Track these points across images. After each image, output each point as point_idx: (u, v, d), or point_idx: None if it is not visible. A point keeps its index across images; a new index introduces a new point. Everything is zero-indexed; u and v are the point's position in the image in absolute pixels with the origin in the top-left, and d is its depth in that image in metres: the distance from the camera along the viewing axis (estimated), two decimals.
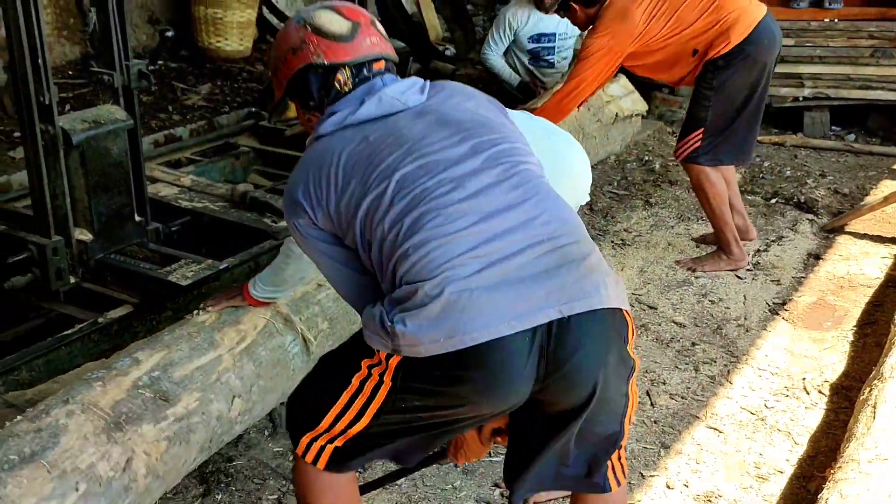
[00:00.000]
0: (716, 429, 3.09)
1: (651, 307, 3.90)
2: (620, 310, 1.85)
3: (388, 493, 2.71)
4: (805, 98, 6.32)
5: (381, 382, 1.87)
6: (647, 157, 5.74)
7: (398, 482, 2.69)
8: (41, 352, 3.53)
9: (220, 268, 3.93)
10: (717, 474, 2.86)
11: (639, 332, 3.68)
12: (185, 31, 7.22)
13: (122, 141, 3.90)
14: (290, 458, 2.82)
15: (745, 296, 4.01)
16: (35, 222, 3.81)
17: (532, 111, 3.99)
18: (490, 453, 2.74)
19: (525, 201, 1.86)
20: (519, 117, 2.63)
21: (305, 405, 2.05)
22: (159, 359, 2.53)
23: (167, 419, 2.37)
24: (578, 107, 4.49)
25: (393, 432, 1.94)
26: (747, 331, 3.73)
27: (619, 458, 2.05)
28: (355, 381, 1.91)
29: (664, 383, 3.34)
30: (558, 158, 2.73)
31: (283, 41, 2.12)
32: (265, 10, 7.61)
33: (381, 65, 2.09)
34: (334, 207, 1.93)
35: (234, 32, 7.24)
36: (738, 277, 4.18)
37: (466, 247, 1.77)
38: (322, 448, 1.99)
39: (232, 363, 2.61)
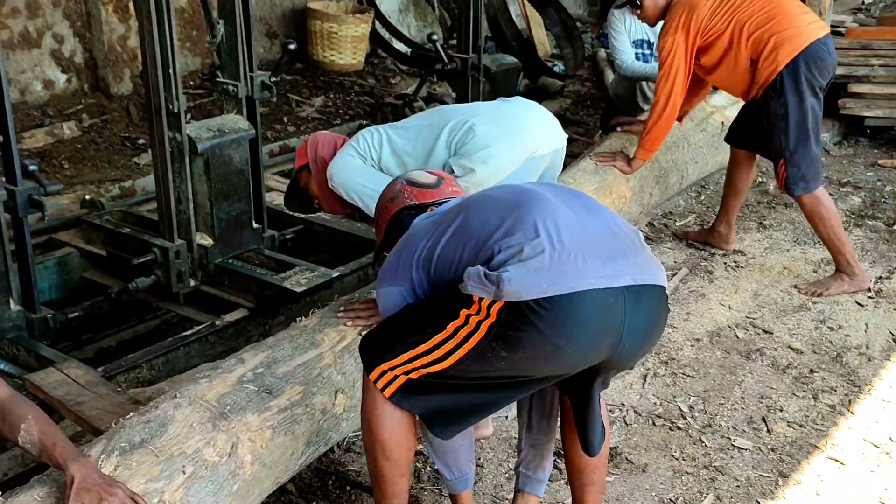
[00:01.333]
0: (837, 460, 2.99)
1: (766, 331, 3.80)
2: (665, 289, 2.17)
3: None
4: None
5: (475, 330, 2.05)
6: (760, 179, 5.60)
7: None
8: (161, 351, 3.65)
9: (332, 276, 4.01)
10: None
11: (753, 357, 3.60)
12: (301, 44, 7.39)
13: (243, 149, 4.01)
14: None
15: (866, 324, 3.87)
16: (159, 226, 3.96)
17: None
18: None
19: (596, 207, 2.23)
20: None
21: (388, 338, 2.23)
22: (263, 357, 2.61)
23: (271, 410, 2.45)
24: (681, 120, 4.54)
25: (466, 381, 2.15)
26: (869, 360, 3.59)
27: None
28: (450, 328, 2.09)
29: (781, 410, 3.25)
30: (514, 115, 3.34)
31: (384, 195, 2.60)
32: (378, 25, 7.74)
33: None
34: (426, 248, 2.21)
35: (347, 46, 7.38)
36: (859, 304, 4.03)
37: (562, 222, 2.07)
38: (394, 378, 2.19)
39: (333, 360, 2.68)
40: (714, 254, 4.52)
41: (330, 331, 2.76)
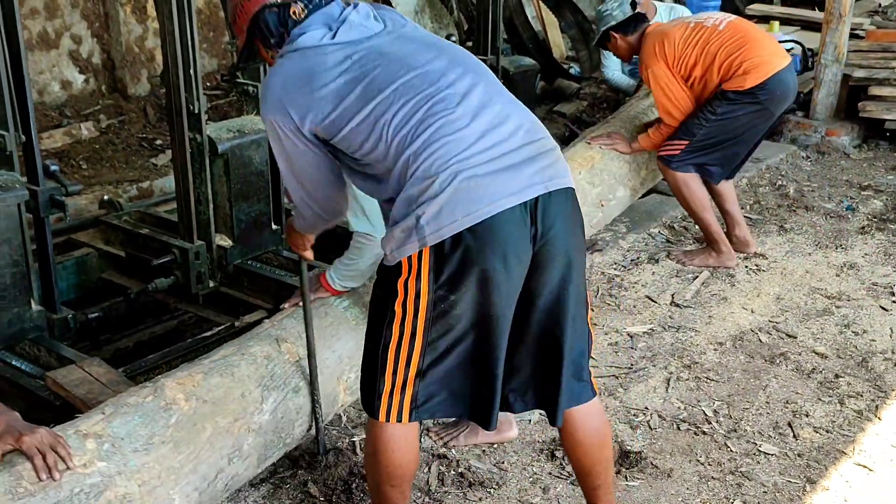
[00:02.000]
0: (865, 466, 2.95)
1: (790, 336, 3.76)
2: (574, 189, 2.21)
3: None
4: None
5: (418, 292, 2.08)
6: (780, 182, 5.56)
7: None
8: (181, 352, 3.65)
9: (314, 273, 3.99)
10: None
11: (777, 361, 3.56)
12: None
13: (263, 151, 4.00)
14: (425, 469, 2.83)
15: (891, 328, 3.82)
16: (179, 227, 3.95)
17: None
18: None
19: (501, 105, 2.14)
20: None
21: (370, 367, 2.22)
22: None
23: (201, 365, 2.60)
24: None
25: (447, 350, 2.13)
26: (895, 365, 3.56)
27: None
28: (398, 308, 2.10)
29: (807, 415, 3.21)
30: None
31: None
32: None
33: None
34: (327, 117, 2.13)
35: None
36: (883, 309, 3.99)
37: (467, 144, 2.05)
38: (401, 400, 2.16)
39: (271, 325, 2.88)
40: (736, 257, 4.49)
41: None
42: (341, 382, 2.86)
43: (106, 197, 4.77)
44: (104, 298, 4.14)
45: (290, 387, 2.66)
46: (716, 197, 4.48)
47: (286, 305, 3.01)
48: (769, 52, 4.15)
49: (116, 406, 2.34)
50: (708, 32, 4.15)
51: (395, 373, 2.15)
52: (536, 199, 2.06)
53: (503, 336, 2.16)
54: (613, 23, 4.40)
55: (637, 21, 4.40)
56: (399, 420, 2.18)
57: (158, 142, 5.81)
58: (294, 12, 2.25)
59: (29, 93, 3.26)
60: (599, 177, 4.36)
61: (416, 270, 2.06)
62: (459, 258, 2.03)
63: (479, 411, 2.23)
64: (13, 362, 3.28)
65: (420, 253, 2.05)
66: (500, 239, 2.03)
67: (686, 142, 4.21)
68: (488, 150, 2.06)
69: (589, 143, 4.49)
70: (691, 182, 4.26)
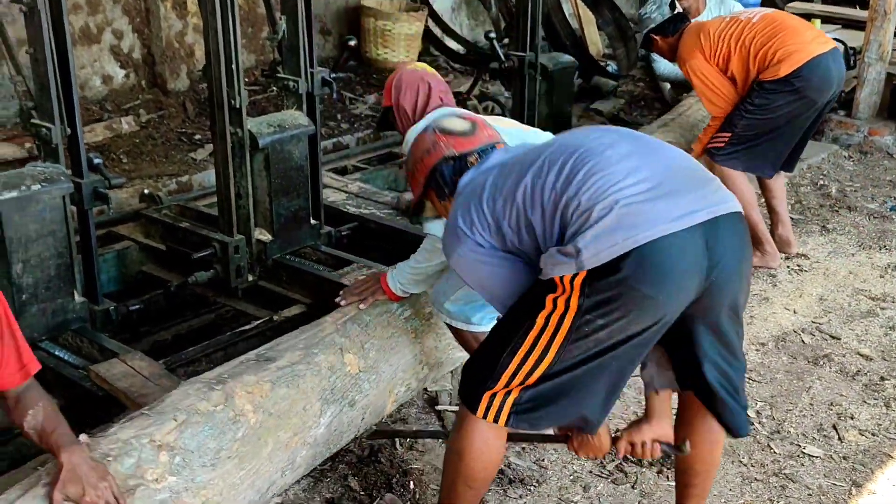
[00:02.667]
0: None
1: (833, 337, 3.71)
2: (742, 213, 2.16)
3: None
4: None
5: (566, 310, 2.04)
6: (821, 182, 5.50)
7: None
8: (221, 346, 3.66)
9: (372, 272, 3.98)
10: None
11: (821, 363, 3.51)
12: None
13: (303, 145, 4.01)
14: None
15: None
16: (219, 221, 3.97)
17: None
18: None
19: (651, 145, 2.21)
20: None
21: (485, 364, 2.17)
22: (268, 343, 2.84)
23: (269, 370, 2.58)
24: None
25: (577, 370, 2.08)
26: None
27: None
28: (540, 319, 2.07)
29: (852, 418, 3.16)
30: None
31: (417, 148, 2.49)
32: (431, 24, 7.72)
33: (501, 146, 2.43)
34: (493, 220, 2.18)
35: (401, 44, 7.37)
36: None
37: (623, 174, 2.06)
38: (503, 402, 2.13)
39: (335, 329, 2.86)
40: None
41: (333, 313, 2.98)
42: (392, 395, 2.87)
43: (146, 191, 4.79)
44: (144, 291, 4.16)
45: (346, 400, 2.68)
46: (765, 192, 4.45)
47: (342, 303, 3.00)
48: (804, 39, 4.11)
49: (189, 413, 2.33)
50: (742, 25, 4.16)
51: (511, 377, 2.13)
52: (704, 224, 2.03)
53: (637, 362, 2.17)
54: (653, 25, 4.43)
55: (676, 21, 4.42)
56: (495, 421, 2.16)
57: (197, 136, 5.84)
58: (471, 162, 2.37)
59: (74, 87, 3.28)
60: None
61: (568, 291, 2.04)
62: (616, 283, 2.00)
63: (587, 423, 2.21)
64: (56, 353, 3.31)
65: (575, 275, 2.02)
66: (660, 265, 1.99)
67: (728, 134, 4.19)
68: (644, 180, 2.06)
69: None
70: (738, 178, 4.22)
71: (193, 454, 2.24)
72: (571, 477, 2.82)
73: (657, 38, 4.47)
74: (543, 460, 2.88)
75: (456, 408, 3.12)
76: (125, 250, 4.40)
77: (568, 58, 5.77)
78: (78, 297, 3.40)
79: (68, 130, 3.27)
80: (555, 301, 2.05)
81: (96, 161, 3.41)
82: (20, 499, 2.01)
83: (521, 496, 2.72)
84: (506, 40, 6.40)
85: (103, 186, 3.39)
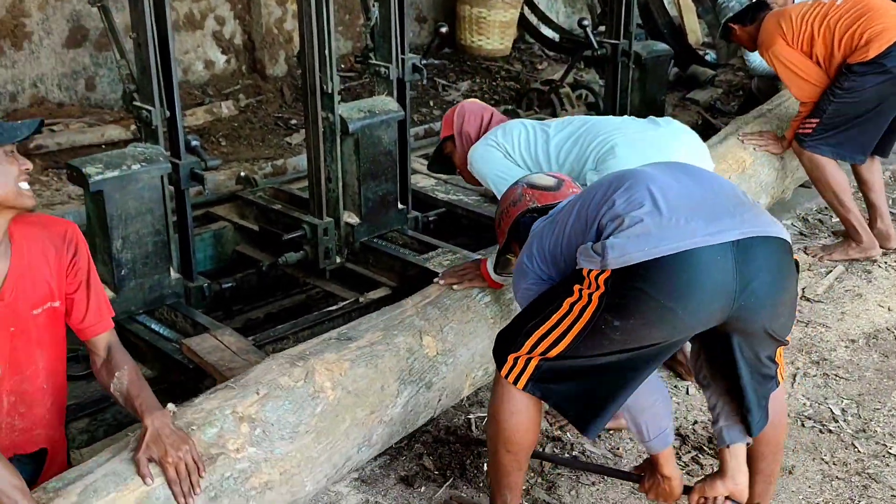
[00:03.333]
0: None
1: None
2: (787, 242, 2.14)
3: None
4: None
5: (588, 303, 2.12)
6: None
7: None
8: (307, 325, 3.76)
9: (474, 259, 4.02)
10: None
11: None
12: (449, 29, 7.46)
13: (392, 131, 4.08)
14: (540, 450, 2.85)
15: None
16: (310, 203, 4.07)
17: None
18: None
19: (705, 175, 2.26)
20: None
21: (514, 330, 2.30)
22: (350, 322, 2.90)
23: (349, 348, 2.63)
24: None
25: (589, 361, 2.17)
26: None
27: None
28: (566, 305, 2.16)
29: None
30: (660, 143, 3.21)
31: (506, 199, 2.64)
32: (526, 11, 7.71)
33: None
34: (551, 242, 2.30)
35: (495, 31, 7.39)
36: None
37: (664, 188, 2.12)
38: (524, 367, 2.24)
39: (416, 311, 2.87)
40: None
41: (414, 295, 3.00)
42: (469, 378, 2.90)
43: (242, 173, 4.95)
44: (238, 270, 4.31)
45: (423, 382, 2.73)
46: (862, 186, 4.33)
47: (440, 282, 3.04)
48: (892, 19, 3.98)
49: (270, 387, 2.41)
50: (826, 7, 4.07)
51: (534, 346, 2.23)
52: (738, 243, 2.03)
53: (650, 368, 2.21)
54: (731, 14, 4.36)
55: (755, 9, 4.33)
56: (515, 383, 2.25)
57: (293, 121, 5.98)
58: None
59: (174, 71, 3.41)
60: (748, 184, 4.24)
61: (594, 286, 2.11)
62: (637, 288, 2.04)
63: (585, 419, 2.25)
64: (152, 326, 3.46)
65: (601, 272, 2.08)
66: (683, 278, 2.01)
67: (816, 120, 4.11)
68: (684, 196, 2.11)
69: (742, 141, 4.38)
70: (827, 165, 4.15)
71: (273, 427, 2.32)
72: None
73: (735, 26, 4.39)
74: (619, 448, 2.89)
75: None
76: (221, 230, 4.55)
77: (662, 46, 5.69)
78: (174, 274, 3.54)
79: (167, 113, 3.40)
80: (580, 291, 2.13)
81: (194, 143, 3.53)
82: (109, 461, 2.12)
83: (593, 482, 2.72)
84: (601, 28, 6.36)
85: (199, 167, 3.52)
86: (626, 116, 3.65)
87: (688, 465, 2.81)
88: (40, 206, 4.77)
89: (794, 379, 3.28)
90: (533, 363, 2.23)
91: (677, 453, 2.85)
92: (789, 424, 3.03)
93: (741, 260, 2.02)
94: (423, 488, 2.68)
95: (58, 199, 4.86)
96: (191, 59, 6.24)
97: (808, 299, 3.84)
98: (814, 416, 3.07)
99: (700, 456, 2.85)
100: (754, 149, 4.33)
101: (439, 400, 2.80)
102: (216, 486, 2.18)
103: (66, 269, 2.22)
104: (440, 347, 2.78)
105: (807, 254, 4.29)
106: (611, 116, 3.74)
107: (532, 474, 2.75)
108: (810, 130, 4.13)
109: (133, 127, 5.34)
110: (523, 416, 2.28)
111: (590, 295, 2.11)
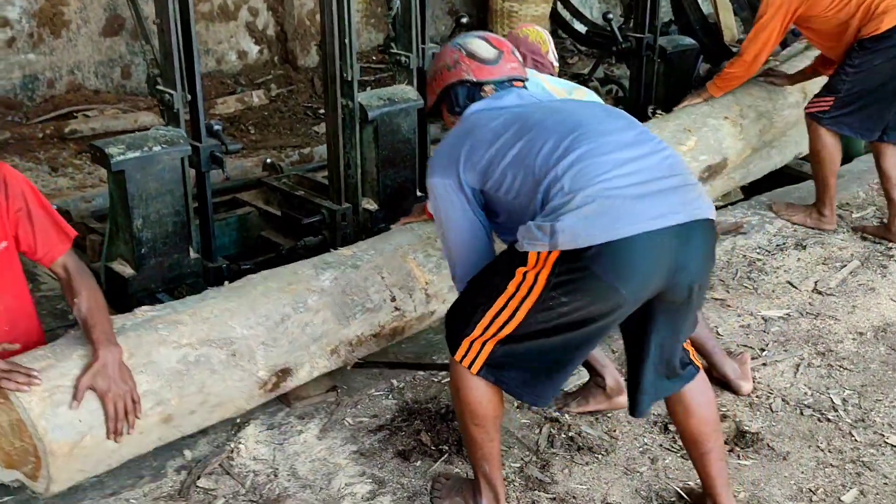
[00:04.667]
0: None
1: None
2: (714, 220, 2.27)
3: None
4: None
5: (534, 283, 2.17)
6: None
7: None
8: None
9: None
10: None
11: None
12: (482, 23, 7.52)
13: (411, 119, 4.15)
14: (536, 430, 2.91)
15: None
16: (329, 189, 4.16)
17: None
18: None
19: (649, 142, 2.30)
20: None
21: (464, 314, 2.34)
22: None
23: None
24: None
25: (539, 337, 2.23)
26: None
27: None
28: (511, 287, 2.21)
29: None
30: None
31: (441, 60, 2.60)
32: (559, 6, 7.74)
33: (520, 84, 2.57)
34: (484, 156, 2.30)
35: None
36: None
37: (613, 165, 2.17)
38: (479, 351, 2.29)
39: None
40: (892, 249, 4.28)
41: None
42: (411, 262, 3.14)
43: (269, 160, 5.06)
44: (261, 255, 4.41)
45: (348, 265, 3.00)
46: (885, 182, 4.31)
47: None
48: None
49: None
50: None
51: (486, 329, 2.27)
52: (679, 227, 2.13)
53: (594, 343, 2.32)
54: None
55: None
56: (469, 368, 2.30)
57: (322, 111, 6.06)
58: (485, 91, 2.52)
59: (196, 55, 3.51)
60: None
61: (540, 266, 2.16)
62: (585, 269, 2.11)
63: (537, 396, 2.34)
64: None
65: (549, 253, 2.14)
66: (631, 261, 2.10)
67: (831, 98, 4.17)
68: (632, 174, 2.17)
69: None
70: (831, 146, 4.25)
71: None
72: (640, 449, 2.86)
73: None
74: (615, 431, 2.93)
75: None
76: (246, 215, 4.64)
77: (688, 40, 5.71)
78: (193, 254, 3.65)
79: (188, 97, 3.51)
80: (524, 274, 2.18)
81: (216, 127, 3.63)
82: (55, 366, 2.27)
83: (587, 463, 2.78)
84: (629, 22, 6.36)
85: (220, 151, 3.62)
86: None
87: (682, 449, 2.84)
88: (73, 189, 4.93)
89: (798, 369, 3.30)
90: (487, 348, 2.28)
91: (674, 437, 2.89)
92: (788, 412, 3.05)
93: (683, 242, 2.14)
94: (419, 462, 2.75)
95: (89, 182, 5.02)
96: (224, 50, 6.38)
97: (819, 292, 3.84)
98: (813, 404, 3.09)
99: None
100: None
101: (382, 277, 3.01)
102: None
103: (2, 210, 2.30)
104: (358, 249, 3.13)
105: (772, 210, 4.55)
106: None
107: (527, 453, 2.81)
108: (826, 108, 4.19)
109: None
110: (482, 390, 2.32)
111: (536, 275, 2.17)
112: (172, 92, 3.48)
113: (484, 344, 2.28)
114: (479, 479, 2.47)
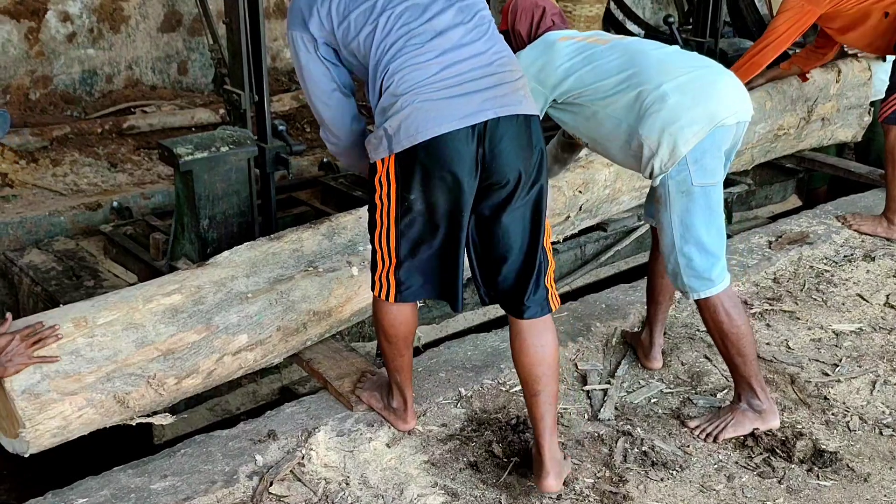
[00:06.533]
0: None
1: None
2: (533, 117, 2.50)
3: None
4: None
5: (388, 186, 2.44)
6: None
7: None
8: None
9: None
10: None
11: None
12: None
13: None
14: (609, 444, 2.86)
15: None
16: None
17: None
18: None
19: (479, 39, 2.49)
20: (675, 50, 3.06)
21: (372, 250, 2.59)
22: None
23: None
24: (804, 77, 5.03)
25: (415, 244, 2.49)
26: None
27: (551, 286, 2.61)
28: (377, 201, 2.49)
29: None
30: (705, 83, 2.92)
31: None
32: (612, 6, 7.65)
33: None
34: (338, 30, 2.52)
35: (580, 26, 7.33)
36: None
37: (431, 73, 2.40)
38: (388, 285, 2.57)
39: None
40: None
41: None
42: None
43: (325, 159, 5.04)
44: None
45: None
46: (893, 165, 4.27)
47: None
48: None
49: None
50: None
51: (384, 258, 2.55)
52: (485, 123, 2.37)
53: (460, 232, 2.50)
54: None
55: None
56: (387, 299, 2.59)
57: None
58: None
59: (264, 57, 3.50)
60: None
61: (385, 170, 2.44)
62: (414, 166, 2.39)
63: (447, 295, 2.60)
64: None
65: (389, 157, 2.41)
66: (445, 156, 2.37)
67: None
68: (449, 78, 2.40)
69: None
70: None
71: None
72: (716, 465, 2.80)
73: None
74: (689, 446, 2.87)
75: (605, 386, 3.16)
76: (302, 214, 4.64)
77: (749, 44, 5.59)
78: None
79: (256, 97, 3.50)
80: (380, 181, 2.46)
81: (280, 128, 3.63)
82: None
83: (662, 479, 2.72)
84: (688, 27, 6.27)
85: (285, 152, 3.61)
86: (670, 50, 3.10)
87: (759, 467, 2.79)
88: (131, 185, 4.95)
89: (874, 386, 3.21)
90: (392, 279, 2.55)
91: (749, 454, 2.83)
92: (867, 431, 2.98)
93: (491, 134, 2.38)
94: (490, 474, 2.71)
95: (148, 178, 5.03)
96: (279, 47, 6.37)
97: (892, 306, 3.75)
98: (892, 423, 3.01)
99: (772, 458, 2.82)
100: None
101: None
102: None
103: None
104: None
105: (837, 220, 4.44)
106: (651, 57, 3.07)
107: (601, 467, 2.76)
108: None
109: (222, 110, 5.49)
110: (393, 314, 2.64)
111: (387, 177, 2.43)
112: (240, 92, 3.48)
113: (388, 275, 2.55)
114: (392, 385, 2.83)
